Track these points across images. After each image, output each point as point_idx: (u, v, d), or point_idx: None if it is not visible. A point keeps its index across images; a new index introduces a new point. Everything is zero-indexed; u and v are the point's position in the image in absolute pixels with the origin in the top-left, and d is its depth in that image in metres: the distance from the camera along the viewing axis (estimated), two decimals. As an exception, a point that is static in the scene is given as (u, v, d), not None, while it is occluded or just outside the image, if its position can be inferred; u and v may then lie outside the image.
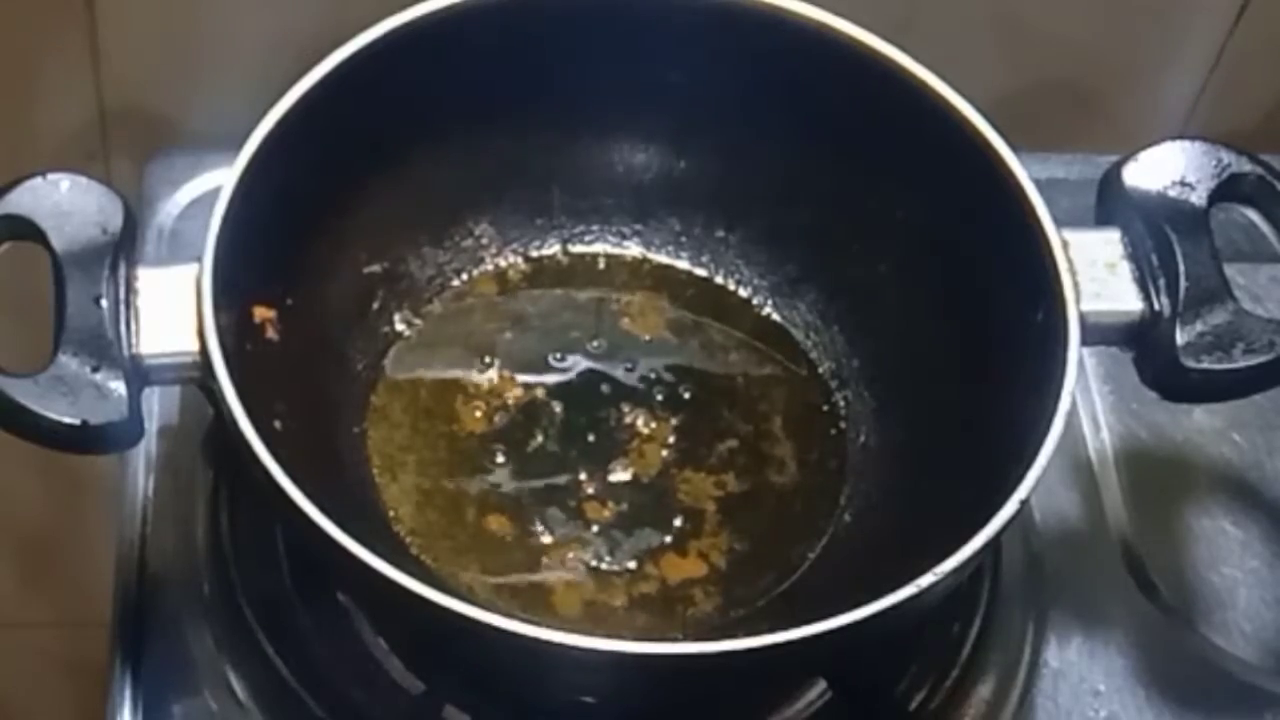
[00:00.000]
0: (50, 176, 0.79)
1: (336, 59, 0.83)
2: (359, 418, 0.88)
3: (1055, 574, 0.90)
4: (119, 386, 0.75)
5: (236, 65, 0.95)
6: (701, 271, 0.94)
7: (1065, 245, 0.82)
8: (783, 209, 0.91)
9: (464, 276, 0.92)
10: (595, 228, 0.94)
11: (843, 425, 0.90)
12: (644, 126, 0.91)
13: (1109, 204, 0.85)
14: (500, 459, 0.87)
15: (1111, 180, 0.85)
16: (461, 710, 0.81)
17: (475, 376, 0.90)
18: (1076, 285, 0.81)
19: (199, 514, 0.86)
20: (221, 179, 0.80)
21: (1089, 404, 0.95)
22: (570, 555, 0.85)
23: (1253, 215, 0.85)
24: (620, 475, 0.87)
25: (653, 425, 0.89)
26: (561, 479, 0.87)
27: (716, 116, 0.90)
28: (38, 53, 0.97)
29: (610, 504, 0.86)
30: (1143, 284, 0.83)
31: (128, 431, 0.76)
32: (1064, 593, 0.90)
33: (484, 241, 0.93)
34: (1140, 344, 0.83)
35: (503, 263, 0.93)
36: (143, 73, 0.99)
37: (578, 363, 0.91)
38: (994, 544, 0.75)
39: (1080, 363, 0.79)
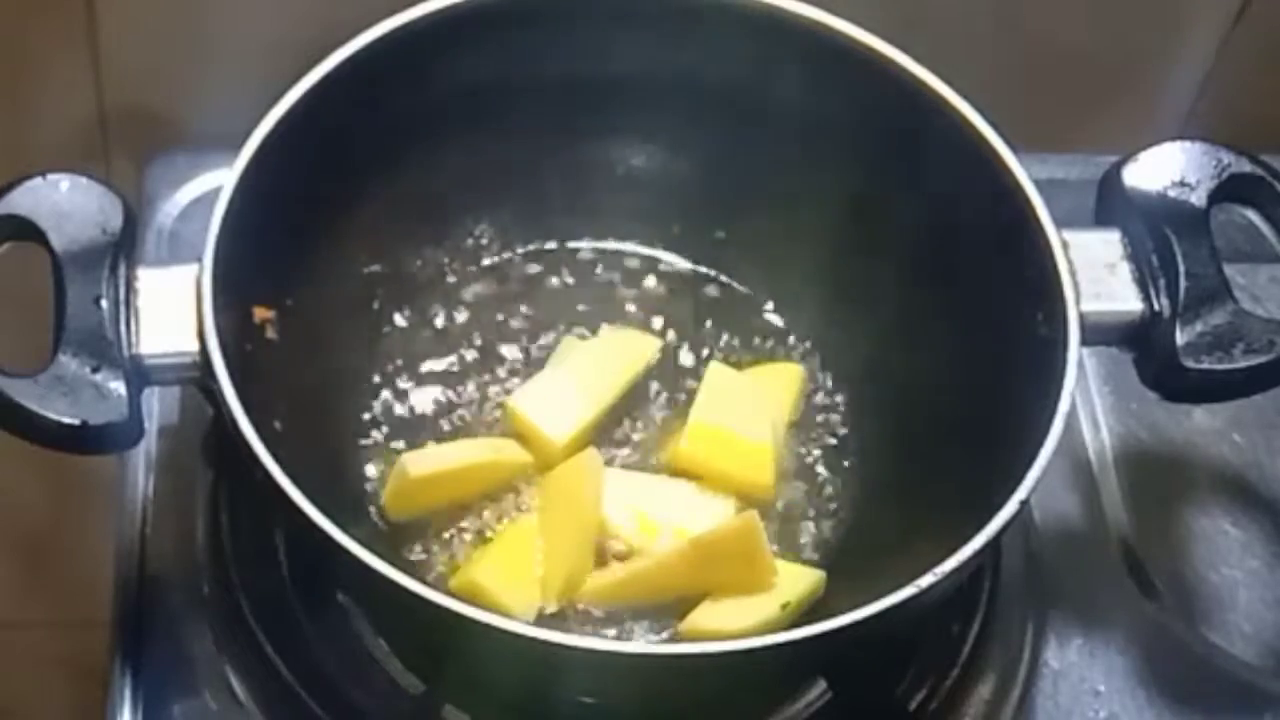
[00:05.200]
0: (50, 177, 0.79)
1: (336, 59, 0.83)
2: (359, 418, 0.88)
3: (1055, 574, 0.90)
4: (119, 387, 0.75)
5: (236, 65, 0.95)
6: (701, 271, 0.94)
7: (1065, 245, 0.82)
8: (783, 209, 0.91)
9: (464, 276, 0.92)
10: (595, 228, 0.94)
11: (844, 426, 0.90)
12: (644, 126, 0.91)
13: (1109, 204, 0.85)
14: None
15: (1111, 180, 0.85)
16: (461, 710, 0.81)
17: (475, 376, 0.90)
18: (1076, 285, 0.81)
19: (199, 514, 0.86)
20: (221, 179, 0.80)
21: (1089, 404, 0.95)
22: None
23: (1252, 215, 0.85)
24: (620, 475, 0.88)
25: (653, 425, 0.89)
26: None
27: (716, 117, 0.90)
28: (38, 53, 0.97)
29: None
30: (1143, 284, 0.83)
31: (127, 432, 0.76)
32: (1064, 593, 0.90)
33: (484, 241, 0.93)
34: (1140, 344, 0.83)
35: (503, 263, 0.93)
36: (143, 73, 0.99)
37: (578, 363, 0.91)
38: (994, 544, 0.75)
39: (1080, 363, 0.79)
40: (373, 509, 0.85)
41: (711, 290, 0.94)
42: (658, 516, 0.85)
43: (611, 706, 0.80)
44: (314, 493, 0.74)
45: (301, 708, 0.81)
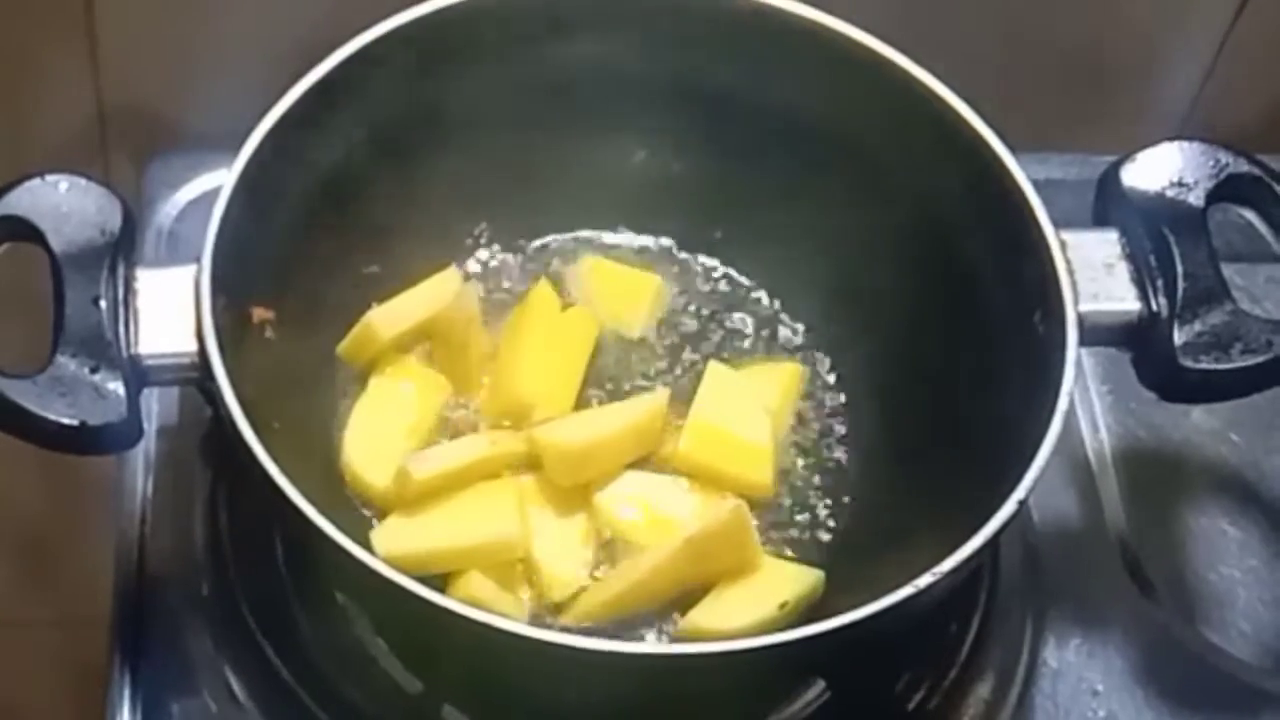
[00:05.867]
0: (49, 177, 0.79)
1: (336, 59, 0.83)
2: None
3: (1054, 574, 0.90)
4: (117, 387, 0.75)
5: (236, 65, 0.95)
6: (700, 270, 0.94)
7: (1063, 245, 0.82)
8: (782, 209, 0.91)
9: (463, 276, 0.92)
10: (594, 227, 0.94)
11: (843, 425, 0.90)
12: (642, 126, 0.91)
13: (1107, 204, 0.85)
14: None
15: (1110, 180, 0.85)
16: (460, 710, 0.81)
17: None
18: (1075, 285, 0.81)
19: (198, 514, 0.86)
20: (221, 179, 0.80)
21: (1087, 404, 0.95)
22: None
23: (1250, 216, 0.85)
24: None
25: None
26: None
27: (716, 116, 0.90)
28: (37, 53, 0.97)
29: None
30: (1141, 284, 0.83)
31: (126, 432, 0.76)
32: (1062, 592, 0.90)
33: (484, 241, 0.93)
34: (1138, 344, 0.83)
35: (502, 262, 0.93)
36: (142, 73, 0.99)
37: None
38: (992, 544, 0.75)
39: (1078, 363, 0.79)
40: (372, 509, 0.85)
41: (710, 289, 0.94)
42: (661, 513, 0.85)
43: (611, 706, 0.80)
44: (312, 492, 0.74)
45: (301, 708, 0.81)
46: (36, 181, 0.79)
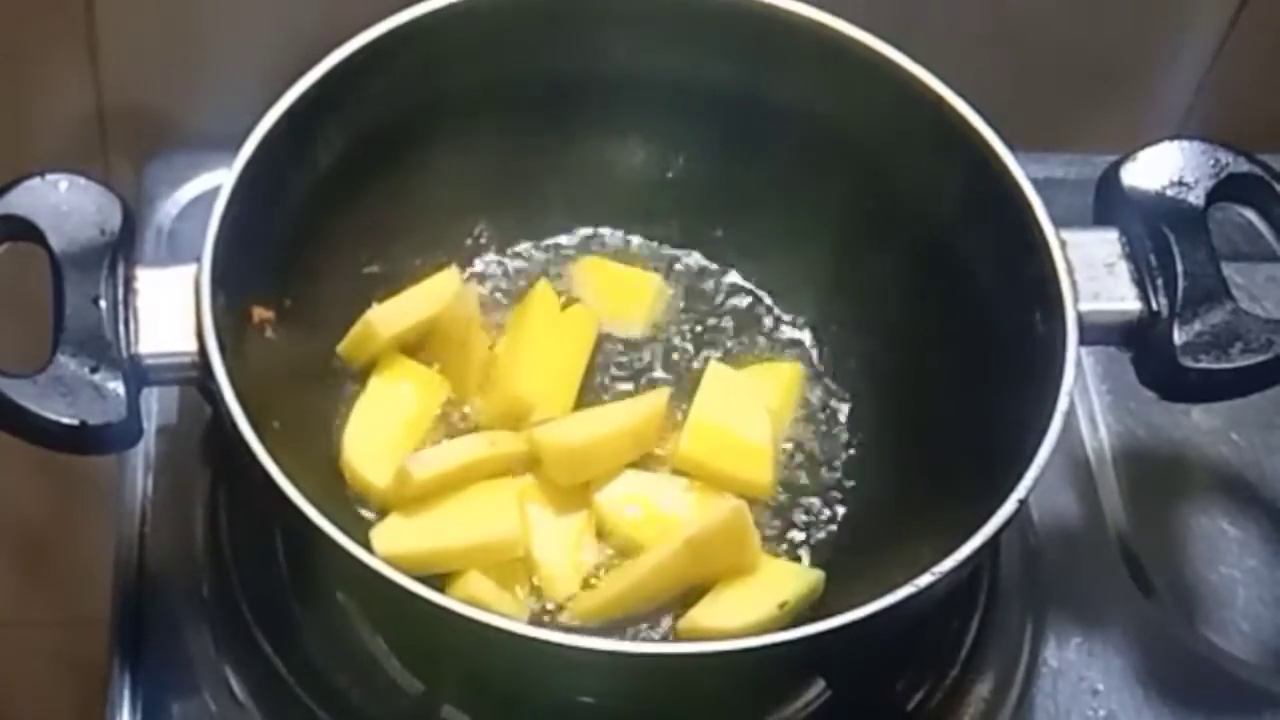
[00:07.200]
0: (49, 177, 0.79)
1: (336, 59, 0.83)
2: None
3: (1054, 573, 0.90)
4: (117, 387, 0.75)
5: (236, 65, 0.95)
6: (700, 271, 0.94)
7: (1064, 245, 0.82)
8: (782, 209, 0.91)
9: (463, 276, 0.92)
10: (593, 227, 0.94)
11: (843, 425, 0.90)
12: (642, 126, 0.91)
13: (1107, 204, 0.85)
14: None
15: (1110, 180, 0.85)
16: (461, 710, 0.81)
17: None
18: (1075, 285, 0.81)
19: (197, 514, 0.86)
20: (221, 179, 0.80)
21: (1087, 403, 0.95)
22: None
23: (1250, 215, 0.85)
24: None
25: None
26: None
27: (715, 116, 0.90)
28: (37, 53, 0.97)
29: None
30: (1141, 284, 0.83)
31: (126, 432, 0.76)
32: (1062, 592, 0.90)
33: (483, 241, 0.93)
34: (1138, 343, 0.83)
35: (502, 262, 0.93)
36: (142, 73, 0.99)
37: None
38: (992, 544, 0.75)
39: (1078, 362, 0.79)
40: (372, 508, 0.85)
41: (710, 289, 0.94)
42: (661, 513, 0.85)
43: (611, 706, 0.80)
44: (312, 492, 0.74)
45: (301, 708, 0.81)
46: (36, 180, 0.79)
